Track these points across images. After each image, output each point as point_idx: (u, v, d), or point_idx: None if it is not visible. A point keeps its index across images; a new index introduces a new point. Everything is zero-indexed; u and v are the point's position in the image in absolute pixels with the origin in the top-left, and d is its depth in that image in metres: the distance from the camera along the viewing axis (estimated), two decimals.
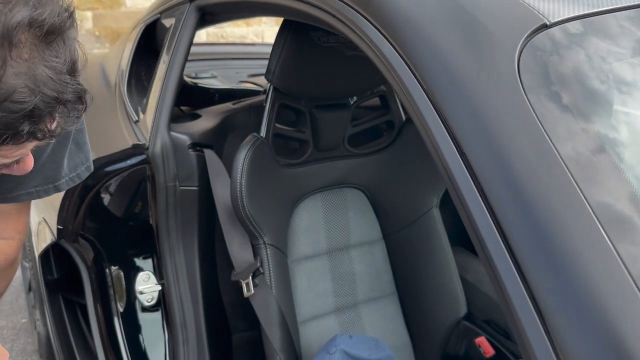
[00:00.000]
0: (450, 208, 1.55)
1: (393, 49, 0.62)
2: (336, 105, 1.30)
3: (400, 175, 1.39)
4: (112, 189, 1.27)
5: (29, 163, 0.63)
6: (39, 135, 0.55)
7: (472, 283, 1.45)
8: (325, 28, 0.81)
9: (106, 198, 1.28)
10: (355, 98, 1.32)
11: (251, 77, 2.18)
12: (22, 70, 0.50)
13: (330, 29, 0.76)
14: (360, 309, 1.38)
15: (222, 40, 4.37)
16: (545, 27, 0.58)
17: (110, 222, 1.31)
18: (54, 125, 0.56)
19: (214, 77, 2.01)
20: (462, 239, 1.59)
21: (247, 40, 4.60)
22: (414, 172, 1.39)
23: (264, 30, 4.64)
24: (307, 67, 1.19)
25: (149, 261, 1.29)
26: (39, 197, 0.90)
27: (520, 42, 0.56)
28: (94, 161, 0.93)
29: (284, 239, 1.28)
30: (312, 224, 1.34)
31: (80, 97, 0.56)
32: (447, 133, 0.55)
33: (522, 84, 0.53)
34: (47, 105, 0.52)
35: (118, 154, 1.25)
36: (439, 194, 1.39)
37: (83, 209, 1.24)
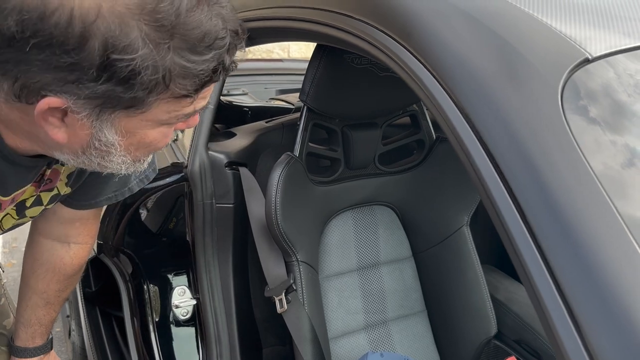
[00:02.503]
0: (480, 226, 1.55)
1: (435, 80, 0.64)
2: (367, 124, 1.32)
3: (430, 193, 1.40)
4: (150, 205, 1.31)
5: (197, 117, 0.70)
6: (231, 67, 0.64)
7: (502, 302, 1.44)
8: (364, 55, 0.83)
9: (145, 214, 1.32)
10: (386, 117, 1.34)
11: (280, 93, 2.22)
12: (214, 13, 0.59)
13: (369, 56, 0.79)
14: (389, 326, 1.39)
15: (249, 55, 4.45)
16: (587, 61, 0.60)
17: (149, 238, 1.35)
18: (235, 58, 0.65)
19: (244, 93, 2.06)
20: (492, 257, 1.59)
21: (274, 54, 4.67)
22: (444, 190, 1.40)
23: (289, 45, 4.71)
24: (341, 88, 1.21)
25: (184, 276, 1.32)
26: (116, 200, 0.96)
27: (563, 77, 0.57)
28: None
29: (316, 255, 1.30)
30: (342, 241, 1.36)
31: (242, 28, 0.64)
32: (490, 162, 0.57)
33: (566, 119, 0.54)
34: (234, 38, 0.62)
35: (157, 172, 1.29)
36: (469, 213, 1.40)
37: (123, 225, 1.28)
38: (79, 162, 0.67)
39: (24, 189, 0.79)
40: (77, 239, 1.00)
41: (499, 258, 1.57)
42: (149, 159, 0.74)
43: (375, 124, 1.33)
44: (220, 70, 0.62)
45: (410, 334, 1.40)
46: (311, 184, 1.26)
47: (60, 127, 0.61)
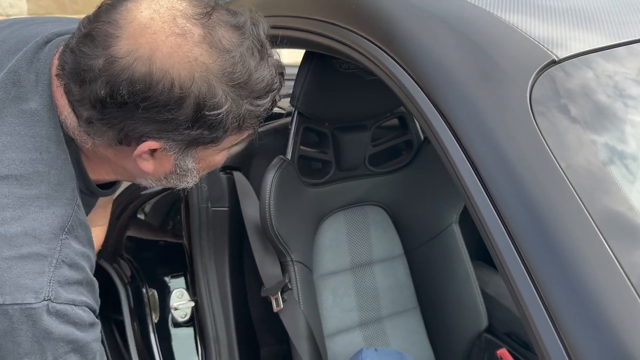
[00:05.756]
0: (470, 224, 1.58)
1: (414, 83, 0.68)
2: (357, 127, 1.36)
3: (419, 192, 1.44)
4: (148, 210, 1.34)
5: (224, 158, 0.84)
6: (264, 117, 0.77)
7: (492, 296, 1.48)
8: (350, 61, 0.87)
9: (142, 219, 1.35)
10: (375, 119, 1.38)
11: None
12: (269, 63, 0.74)
13: (355, 62, 0.83)
14: (383, 323, 1.43)
15: None
16: (554, 63, 0.64)
17: (146, 242, 1.38)
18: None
19: None
20: (482, 253, 1.63)
21: None
22: (433, 189, 1.44)
23: (281, 50, 4.74)
24: (330, 93, 1.25)
25: (182, 278, 1.36)
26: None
27: (531, 78, 0.61)
28: (131, 185, 1.01)
29: (310, 255, 1.33)
30: (335, 240, 1.39)
31: (283, 67, 0.78)
32: (466, 159, 0.61)
33: (535, 118, 0.58)
34: (281, 78, 0.76)
35: None
36: (457, 210, 1.44)
37: (121, 230, 1.31)
38: (158, 184, 0.83)
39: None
40: (98, 222, 1.09)
41: (489, 254, 1.61)
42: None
43: (364, 126, 1.36)
44: (273, 104, 0.77)
45: (403, 330, 1.44)
46: (303, 186, 1.30)
47: (150, 160, 0.75)
